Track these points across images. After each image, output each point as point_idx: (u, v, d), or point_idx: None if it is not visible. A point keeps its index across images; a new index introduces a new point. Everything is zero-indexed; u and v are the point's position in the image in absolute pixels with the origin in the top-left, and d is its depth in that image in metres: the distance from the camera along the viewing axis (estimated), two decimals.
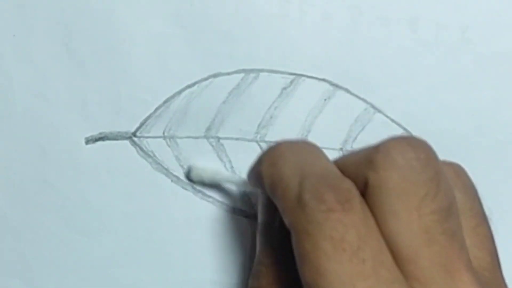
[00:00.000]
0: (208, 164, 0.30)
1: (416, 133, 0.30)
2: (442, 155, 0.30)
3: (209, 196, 0.30)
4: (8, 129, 0.30)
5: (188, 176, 0.30)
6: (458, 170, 0.25)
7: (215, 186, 0.30)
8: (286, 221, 0.22)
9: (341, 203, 0.21)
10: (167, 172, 0.30)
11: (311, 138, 0.30)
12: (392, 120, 0.30)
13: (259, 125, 0.30)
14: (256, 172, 0.25)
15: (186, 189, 0.30)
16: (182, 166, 0.30)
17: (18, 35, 0.29)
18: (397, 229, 0.21)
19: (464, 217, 0.23)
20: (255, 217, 0.30)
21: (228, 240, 0.30)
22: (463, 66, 0.30)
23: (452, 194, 0.23)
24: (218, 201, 0.30)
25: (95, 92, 0.30)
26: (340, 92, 0.30)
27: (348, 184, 0.22)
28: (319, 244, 0.20)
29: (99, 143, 0.30)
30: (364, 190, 0.22)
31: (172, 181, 0.30)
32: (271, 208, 0.26)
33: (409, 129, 0.30)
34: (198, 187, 0.30)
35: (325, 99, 0.30)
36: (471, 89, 0.30)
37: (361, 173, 0.22)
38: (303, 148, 0.24)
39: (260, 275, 0.25)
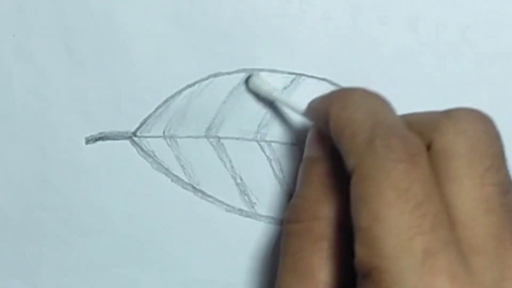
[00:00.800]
0: (268, 81, 0.29)
1: None
2: None
3: (209, 196, 0.30)
4: (8, 129, 0.30)
5: (247, 81, 0.29)
6: None
7: (269, 101, 0.29)
8: (350, 162, 0.22)
9: (411, 155, 0.21)
10: (167, 172, 0.30)
11: None
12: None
13: (259, 125, 0.30)
14: (323, 110, 0.24)
15: (186, 189, 0.30)
16: (182, 166, 0.30)
17: (18, 35, 0.29)
18: (459, 194, 0.21)
19: None
20: (255, 216, 0.30)
21: (228, 240, 0.30)
22: (463, 65, 0.30)
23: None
24: (218, 200, 0.30)
25: (95, 92, 0.30)
26: None
27: (418, 139, 0.22)
28: (383, 190, 0.20)
29: (99, 143, 0.30)
30: (427, 152, 0.22)
31: (172, 181, 0.30)
32: (321, 145, 0.26)
33: None
34: (199, 187, 0.30)
35: None
36: (472, 89, 0.30)
37: (426, 134, 0.22)
38: (375, 98, 0.24)
39: (299, 208, 0.25)
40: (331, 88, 0.30)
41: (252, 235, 0.30)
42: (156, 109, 0.30)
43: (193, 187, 0.30)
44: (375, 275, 0.20)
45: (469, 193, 0.21)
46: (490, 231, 0.21)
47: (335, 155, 0.24)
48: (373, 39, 0.30)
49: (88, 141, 0.30)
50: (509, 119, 0.30)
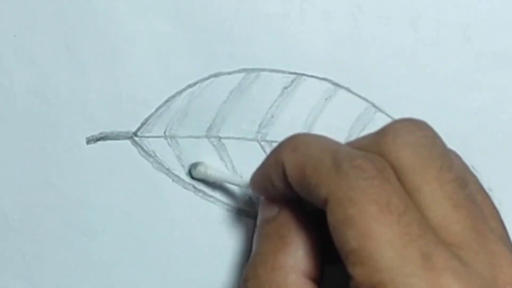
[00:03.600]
0: (212, 163, 0.30)
1: None
2: None
3: (210, 196, 0.30)
4: (9, 129, 0.30)
5: (191, 172, 0.30)
6: (456, 154, 0.26)
7: (216, 185, 0.30)
8: (321, 194, 0.22)
9: (381, 171, 0.21)
10: (168, 172, 0.30)
11: None
12: (393, 119, 0.30)
13: (260, 125, 0.30)
14: (275, 162, 0.25)
15: (187, 188, 0.30)
16: (183, 166, 0.30)
17: (19, 35, 0.29)
18: (423, 202, 0.22)
19: (477, 195, 0.24)
20: (256, 217, 0.30)
21: (229, 240, 0.30)
22: (464, 65, 0.30)
23: (462, 165, 0.25)
24: (219, 200, 0.30)
25: (96, 92, 0.30)
26: (341, 91, 0.30)
27: (379, 157, 0.22)
28: (365, 208, 0.20)
29: (100, 143, 0.30)
30: None
31: (173, 180, 0.30)
32: (274, 205, 0.26)
33: None
34: (199, 187, 0.30)
35: (326, 98, 0.30)
36: (472, 88, 0.30)
37: None
38: (319, 135, 0.25)
39: (257, 264, 0.25)
40: (332, 87, 0.30)
41: (252, 236, 0.30)
42: (157, 109, 0.30)
43: (194, 187, 0.30)
44: None
45: (432, 197, 0.22)
46: (465, 225, 0.21)
47: (291, 208, 0.25)
48: (374, 39, 0.30)
49: (89, 141, 0.30)
50: (509, 119, 0.30)
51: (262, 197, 0.27)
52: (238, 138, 0.30)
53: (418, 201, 0.22)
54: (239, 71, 0.30)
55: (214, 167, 0.29)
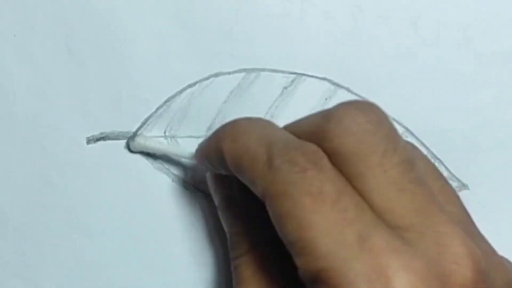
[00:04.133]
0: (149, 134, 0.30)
1: (416, 132, 0.30)
2: (442, 155, 0.30)
3: (210, 196, 0.30)
4: (9, 129, 0.30)
5: (129, 145, 0.29)
6: (412, 145, 0.27)
7: (159, 157, 0.30)
8: (258, 189, 0.22)
9: (313, 162, 0.21)
10: (168, 171, 0.30)
11: None
12: (393, 119, 0.30)
13: None
14: (215, 149, 0.25)
15: (186, 188, 0.30)
16: (183, 166, 0.30)
17: (19, 35, 0.29)
18: (367, 188, 0.22)
19: (430, 180, 0.24)
20: None
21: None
22: (464, 65, 0.30)
23: (411, 149, 0.25)
24: None
25: (96, 92, 0.30)
26: (341, 91, 0.30)
27: (314, 146, 0.22)
28: (298, 200, 0.21)
29: (100, 142, 0.30)
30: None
31: (173, 180, 0.30)
32: (226, 183, 0.27)
33: (409, 128, 0.30)
34: (200, 187, 0.30)
35: (326, 98, 0.30)
36: (472, 88, 0.30)
37: (316, 142, 0.23)
38: (261, 122, 0.25)
39: (238, 244, 0.26)
40: (332, 87, 0.30)
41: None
42: (157, 109, 0.30)
43: (194, 187, 0.30)
44: (322, 277, 0.20)
45: (376, 183, 0.22)
46: (410, 208, 0.21)
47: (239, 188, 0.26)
48: (374, 39, 0.30)
49: (89, 141, 0.30)
50: (509, 119, 0.30)
51: (210, 177, 0.28)
52: None
53: (362, 187, 0.22)
54: (239, 71, 0.30)
55: (153, 138, 0.29)
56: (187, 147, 0.30)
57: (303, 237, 0.20)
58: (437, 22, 0.30)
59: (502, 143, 0.30)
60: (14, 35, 0.29)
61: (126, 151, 0.30)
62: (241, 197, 0.26)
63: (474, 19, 0.30)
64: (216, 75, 0.30)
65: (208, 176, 0.28)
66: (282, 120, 0.30)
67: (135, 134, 0.29)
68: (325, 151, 0.22)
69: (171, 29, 0.29)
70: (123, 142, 0.30)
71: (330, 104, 0.30)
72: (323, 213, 0.20)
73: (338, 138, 0.22)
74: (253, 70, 0.30)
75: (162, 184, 0.30)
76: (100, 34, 0.29)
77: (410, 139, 0.30)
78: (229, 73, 0.30)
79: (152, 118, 0.30)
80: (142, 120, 0.30)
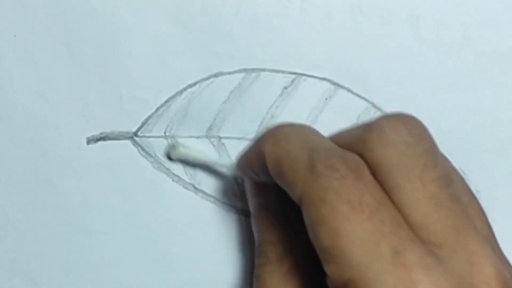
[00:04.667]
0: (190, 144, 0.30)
1: None
2: None
3: (210, 196, 0.30)
4: (9, 129, 0.30)
5: (169, 154, 0.29)
6: (447, 158, 0.27)
7: (198, 166, 0.30)
8: (297, 193, 0.22)
9: (354, 171, 0.21)
10: (168, 171, 0.30)
11: None
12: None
13: (260, 125, 0.30)
14: (256, 155, 0.25)
15: (187, 188, 0.30)
16: (183, 166, 0.30)
17: (19, 35, 0.29)
18: (404, 200, 0.22)
19: (461, 194, 0.24)
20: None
21: (229, 240, 0.30)
22: (464, 65, 0.30)
23: (449, 164, 0.25)
24: (219, 200, 0.30)
25: (96, 92, 0.30)
26: (341, 91, 0.30)
27: (356, 156, 0.22)
28: (337, 207, 0.21)
29: (101, 143, 0.30)
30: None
31: (173, 181, 0.30)
32: (263, 190, 0.27)
33: None
34: (200, 187, 0.30)
35: (326, 98, 0.30)
36: (472, 88, 0.30)
37: (357, 152, 0.23)
38: (304, 128, 0.25)
39: (267, 252, 0.26)
40: (332, 87, 0.30)
41: (253, 235, 0.30)
42: (157, 109, 0.30)
43: (194, 187, 0.30)
44: (351, 287, 0.20)
45: (414, 196, 0.22)
46: (446, 224, 0.21)
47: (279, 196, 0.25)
48: (374, 39, 0.30)
49: (89, 141, 0.30)
50: (509, 119, 0.30)
51: (248, 184, 0.28)
52: (238, 138, 0.30)
53: (399, 199, 0.22)
54: (239, 71, 0.30)
55: (194, 147, 0.29)
56: (226, 156, 0.30)
57: (336, 244, 0.20)
58: (437, 22, 0.30)
59: (502, 143, 0.30)
60: (15, 35, 0.29)
61: (126, 151, 0.30)
62: (277, 205, 0.26)
63: (474, 19, 0.30)
64: (216, 75, 0.30)
65: (247, 184, 0.28)
66: (282, 120, 0.30)
67: (175, 143, 0.29)
68: (365, 162, 0.22)
69: (171, 29, 0.29)
70: (123, 142, 0.30)
71: (330, 104, 0.30)
72: (360, 222, 0.20)
73: (379, 149, 0.22)
74: (253, 70, 0.30)
75: (162, 185, 0.30)
76: (100, 34, 0.29)
77: None
78: (229, 73, 0.30)
79: (152, 118, 0.30)
80: (142, 120, 0.30)
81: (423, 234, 0.21)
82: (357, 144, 0.23)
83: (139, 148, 0.30)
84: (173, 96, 0.30)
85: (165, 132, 0.30)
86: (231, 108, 0.30)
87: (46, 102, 0.30)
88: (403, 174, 0.22)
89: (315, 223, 0.21)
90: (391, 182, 0.22)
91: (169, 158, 0.30)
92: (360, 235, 0.20)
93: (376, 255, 0.20)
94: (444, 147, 0.30)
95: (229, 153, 0.30)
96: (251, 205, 0.28)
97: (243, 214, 0.30)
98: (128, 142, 0.30)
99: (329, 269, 0.21)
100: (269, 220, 0.26)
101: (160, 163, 0.30)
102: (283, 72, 0.30)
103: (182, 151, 0.29)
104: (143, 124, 0.30)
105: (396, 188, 0.22)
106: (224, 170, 0.30)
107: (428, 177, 0.22)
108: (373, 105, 0.30)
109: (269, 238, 0.26)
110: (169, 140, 0.30)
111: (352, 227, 0.20)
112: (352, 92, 0.30)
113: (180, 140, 0.30)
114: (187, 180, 0.30)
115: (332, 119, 0.30)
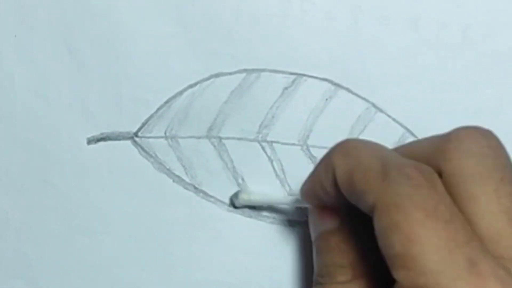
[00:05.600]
0: (251, 188, 0.30)
1: (417, 132, 0.30)
2: None
3: (211, 196, 0.30)
4: (10, 129, 0.30)
5: (233, 202, 0.30)
6: None
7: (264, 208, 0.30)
8: (369, 200, 0.22)
9: (428, 180, 0.21)
10: (168, 172, 0.30)
11: (313, 138, 0.30)
12: (394, 120, 0.30)
13: (260, 125, 0.30)
14: (326, 167, 0.25)
15: (187, 189, 0.30)
16: (184, 166, 0.30)
17: (20, 35, 0.29)
18: (478, 212, 0.22)
19: None
20: (257, 217, 0.30)
21: (229, 240, 0.30)
22: (464, 65, 0.30)
23: None
24: (219, 201, 0.30)
25: (96, 92, 0.30)
26: (342, 92, 0.30)
27: (428, 167, 0.22)
28: (411, 213, 0.21)
29: (101, 143, 0.30)
30: None
31: (173, 181, 0.30)
32: (328, 216, 0.26)
33: (410, 128, 0.30)
34: (200, 187, 0.30)
35: (326, 99, 0.30)
36: (472, 88, 0.30)
37: (433, 163, 0.23)
38: (371, 142, 0.25)
39: (336, 274, 0.25)
40: (332, 87, 0.30)
41: (253, 235, 0.30)
42: (158, 109, 0.30)
43: (195, 188, 0.30)
44: None
45: (488, 209, 0.22)
46: None
47: (350, 220, 0.25)
48: (374, 39, 0.30)
49: (90, 141, 0.30)
50: (509, 119, 0.30)
51: (314, 211, 0.27)
52: (238, 139, 0.30)
53: (472, 210, 0.22)
54: (240, 71, 0.30)
55: (256, 191, 0.29)
56: (188, 146, 0.30)
57: (410, 251, 0.20)
58: (437, 22, 0.30)
59: (503, 142, 0.30)
60: (15, 36, 0.29)
61: (126, 152, 0.30)
62: (343, 229, 0.26)
63: (474, 19, 0.30)
64: (217, 75, 0.30)
65: (311, 211, 0.28)
66: (282, 120, 0.30)
67: (238, 192, 0.29)
68: (439, 172, 0.22)
69: (172, 29, 0.29)
70: (123, 142, 0.30)
71: (330, 105, 0.30)
72: (435, 230, 0.20)
73: (457, 159, 0.22)
74: (253, 70, 0.30)
75: (163, 185, 0.30)
76: (101, 35, 0.29)
77: (410, 139, 0.30)
78: (229, 73, 0.30)
79: (152, 118, 0.30)
80: (142, 120, 0.30)
81: (494, 248, 0.21)
82: (433, 154, 0.23)
83: (140, 149, 0.30)
84: (174, 97, 0.30)
85: (165, 133, 0.30)
86: (232, 109, 0.30)
87: (46, 102, 0.30)
88: (479, 185, 0.22)
89: (388, 229, 0.21)
90: (466, 194, 0.22)
91: (234, 206, 0.30)
92: (435, 242, 0.20)
93: (451, 263, 0.20)
94: None
95: (229, 154, 0.30)
96: (315, 230, 0.27)
97: (243, 214, 0.30)
98: (129, 142, 0.30)
99: (400, 276, 0.21)
100: (335, 244, 0.26)
101: (160, 163, 0.30)
102: (283, 72, 0.30)
103: (245, 198, 0.29)
104: (144, 124, 0.30)
105: (471, 199, 0.22)
106: (289, 206, 0.30)
107: (504, 190, 0.22)
108: (373, 105, 0.30)
109: (340, 262, 0.26)
110: (169, 140, 0.30)
111: (427, 234, 0.20)
112: (352, 93, 0.30)
113: (243, 186, 0.30)
114: (188, 181, 0.30)
115: (333, 119, 0.30)
